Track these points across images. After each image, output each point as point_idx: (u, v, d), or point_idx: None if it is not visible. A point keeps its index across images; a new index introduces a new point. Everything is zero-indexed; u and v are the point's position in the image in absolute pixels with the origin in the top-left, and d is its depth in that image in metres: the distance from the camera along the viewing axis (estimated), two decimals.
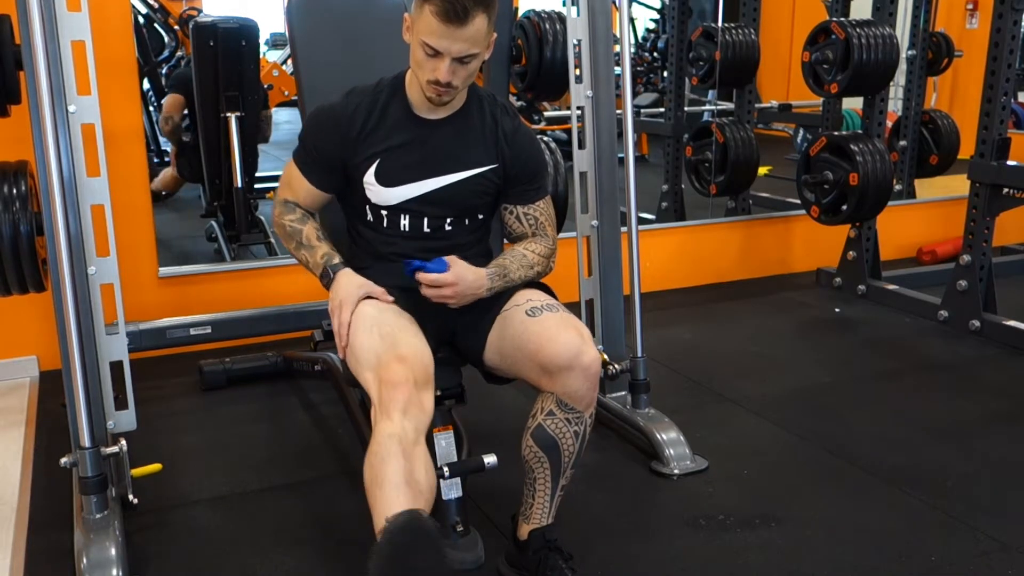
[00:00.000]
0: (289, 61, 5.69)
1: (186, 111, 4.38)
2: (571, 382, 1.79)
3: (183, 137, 4.38)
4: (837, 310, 3.96)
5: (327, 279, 1.86)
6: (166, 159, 5.25)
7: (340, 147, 1.90)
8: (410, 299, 1.87)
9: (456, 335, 1.97)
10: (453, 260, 1.84)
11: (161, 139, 5.31)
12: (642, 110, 6.32)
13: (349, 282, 1.82)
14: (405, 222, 1.94)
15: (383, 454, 1.58)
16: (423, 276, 1.80)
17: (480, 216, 2.01)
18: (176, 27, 5.72)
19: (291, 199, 1.97)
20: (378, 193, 1.91)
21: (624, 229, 2.69)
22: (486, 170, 1.94)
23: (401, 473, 1.57)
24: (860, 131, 4.01)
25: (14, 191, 2.18)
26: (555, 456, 1.86)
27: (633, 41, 7.87)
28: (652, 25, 8.13)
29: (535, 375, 1.84)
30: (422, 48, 1.76)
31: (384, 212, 1.94)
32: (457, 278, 1.81)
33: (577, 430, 1.85)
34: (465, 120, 1.93)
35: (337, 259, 1.87)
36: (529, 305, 1.86)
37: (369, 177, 1.90)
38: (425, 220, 1.94)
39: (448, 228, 1.96)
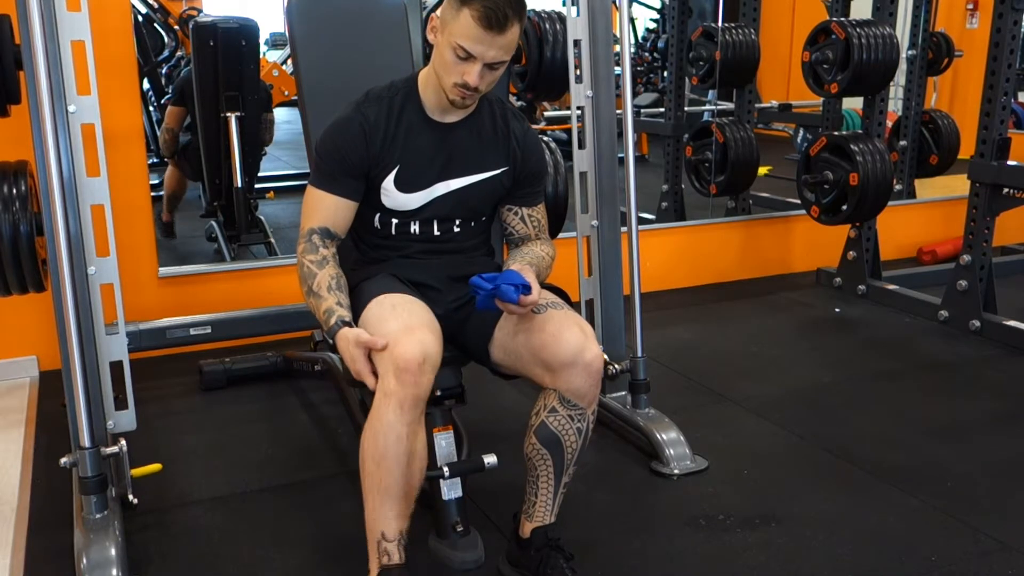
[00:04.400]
0: (289, 61, 5.69)
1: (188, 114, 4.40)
2: (574, 379, 1.81)
3: (180, 139, 4.41)
4: (837, 310, 3.96)
5: (328, 340, 1.82)
6: (166, 159, 5.25)
7: (364, 155, 1.88)
8: (418, 294, 1.90)
9: (463, 331, 1.98)
10: (524, 271, 1.82)
11: None
12: (642, 110, 6.32)
13: (346, 342, 1.73)
14: (415, 227, 1.95)
15: (386, 428, 1.67)
16: (527, 299, 1.76)
17: (484, 218, 2.03)
18: (176, 27, 5.72)
19: (317, 226, 1.88)
20: (395, 199, 1.92)
21: (624, 229, 2.69)
22: (499, 173, 1.96)
23: (404, 456, 1.69)
24: (860, 131, 4.01)
25: (14, 191, 2.18)
26: (558, 453, 1.87)
27: (633, 41, 7.87)
28: (652, 25, 8.13)
29: (538, 371, 1.85)
30: (454, 51, 1.75)
31: (395, 219, 1.94)
32: (534, 281, 1.82)
33: (580, 427, 1.86)
34: (478, 123, 1.94)
35: (335, 318, 1.78)
36: None
37: (388, 184, 1.90)
38: (435, 224, 1.95)
39: (456, 230, 1.98)
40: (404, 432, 1.69)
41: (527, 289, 1.77)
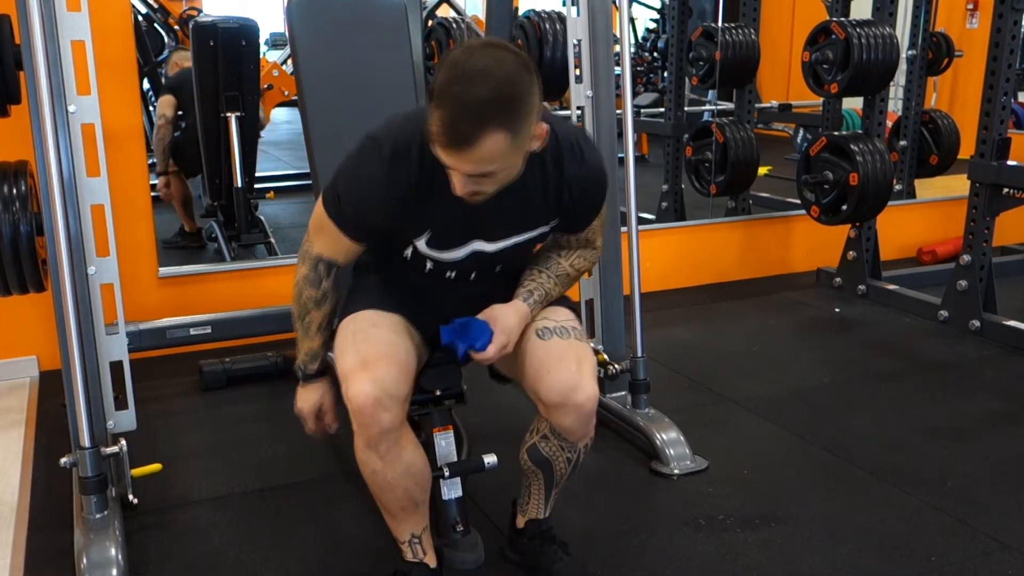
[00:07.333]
0: (289, 61, 5.68)
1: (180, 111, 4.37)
2: (563, 419, 1.75)
3: (175, 133, 4.38)
4: (837, 310, 3.96)
5: (297, 379, 1.87)
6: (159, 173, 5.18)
7: (389, 218, 1.69)
8: (416, 300, 1.83)
9: None
10: (491, 315, 1.72)
11: None
12: (642, 110, 6.32)
13: (304, 401, 1.85)
14: (452, 274, 1.79)
15: (362, 464, 1.74)
16: (480, 356, 1.71)
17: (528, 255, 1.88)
18: (176, 27, 5.72)
19: (327, 256, 1.75)
20: (428, 253, 1.75)
21: (624, 229, 2.69)
22: (547, 228, 1.77)
23: (385, 484, 1.76)
24: (860, 131, 4.01)
25: (14, 191, 2.18)
26: (548, 472, 1.89)
27: (633, 41, 7.87)
28: (652, 25, 8.13)
29: (533, 397, 1.80)
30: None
31: (430, 263, 1.77)
32: (507, 334, 1.71)
33: (570, 456, 1.85)
34: (523, 186, 1.62)
35: (313, 364, 1.85)
36: (542, 324, 1.78)
37: (421, 245, 1.73)
38: (473, 273, 1.79)
39: (497, 271, 1.82)
40: (378, 466, 1.72)
41: (483, 347, 1.69)
